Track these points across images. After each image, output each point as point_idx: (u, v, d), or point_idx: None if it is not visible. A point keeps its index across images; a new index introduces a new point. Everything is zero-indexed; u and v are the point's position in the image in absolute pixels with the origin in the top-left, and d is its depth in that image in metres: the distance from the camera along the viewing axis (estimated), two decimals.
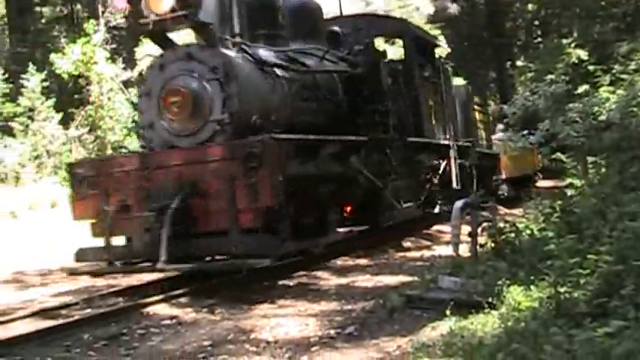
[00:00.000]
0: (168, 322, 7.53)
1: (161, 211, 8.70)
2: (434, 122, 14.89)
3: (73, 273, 9.89)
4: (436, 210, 15.27)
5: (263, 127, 9.34)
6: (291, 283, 9.51)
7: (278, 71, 10.20)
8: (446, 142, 15.55)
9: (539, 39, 33.75)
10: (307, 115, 10.69)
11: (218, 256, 9.43)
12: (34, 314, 8.31)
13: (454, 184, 15.67)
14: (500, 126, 24.64)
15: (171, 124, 9.47)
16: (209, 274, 9.49)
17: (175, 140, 9.48)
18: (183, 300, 8.48)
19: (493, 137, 22.55)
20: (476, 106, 19.36)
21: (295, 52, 11.14)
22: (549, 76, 14.36)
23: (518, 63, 36.95)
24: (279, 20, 11.19)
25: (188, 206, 8.86)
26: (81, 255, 9.54)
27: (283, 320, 7.28)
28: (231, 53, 9.54)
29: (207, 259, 9.46)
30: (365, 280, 9.44)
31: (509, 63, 38.69)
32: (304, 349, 6.16)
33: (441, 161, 15.33)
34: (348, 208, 12.23)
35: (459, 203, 9.15)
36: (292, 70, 10.43)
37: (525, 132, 20.94)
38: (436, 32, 36.44)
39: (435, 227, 14.93)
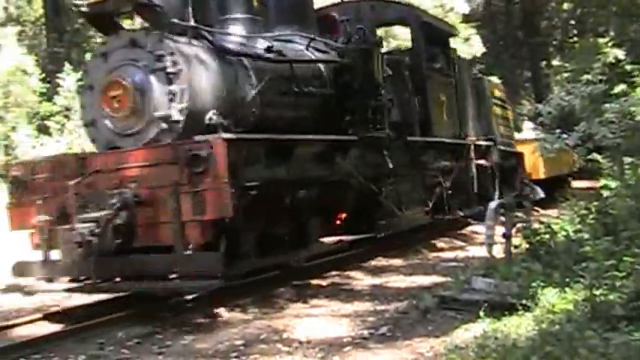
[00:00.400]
0: (201, 320, 7.29)
1: (97, 222, 7.18)
2: (446, 119, 12.88)
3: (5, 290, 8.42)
4: (450, 216, 13.18)
5: (222, 125, 7.56)
6: (324, 283, 9.13)
7: (246, 61, 8.36)
8: (460, 141, 13.33)
9: (575, 38, 32.38)
10: (284, 110, 8.94)
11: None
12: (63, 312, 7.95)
13: (469, 187, 13.52)
14: (528, 124, 22.38)
15: (113, 122, 7.75)
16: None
17: (118, 140, 7.87)
18: (216, 299, 7.89)
19: (520, 135, 20.26)
20: (498, 101, 17.07)
21: (273, 39, 9.24)
22: (585, 76, 13.77)
23: (554, 62, 34.87)
24: (255, 3, 9.38)
25: (130, 217, 7.30)
26: (20, 269, 7.97)
27: (316, 320, 7.09)
28: (183, 40, 7.69)
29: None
30: (398, 281, 9.16)
31: (544, 62, 36.40)
32: (337, 350, 5.97)
33: (454, 162, 13.18)
34: (343, 216, 10.36)
35: (493, 204, 8.86)
36: (264, 59, 8.51)
37: (559, 131, 18.91)
38: (471, 32, 34.86)
39: (470, 228, 14.31)
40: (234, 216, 7.30)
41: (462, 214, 13.94)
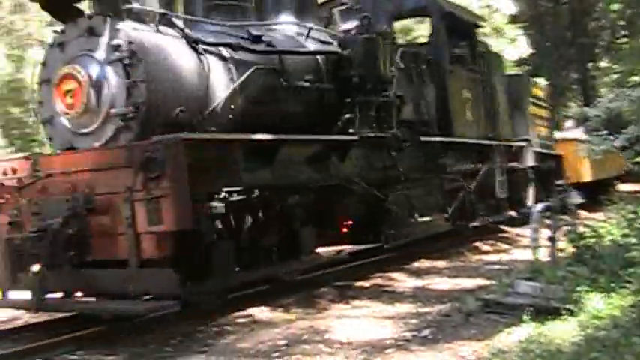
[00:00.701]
0: (243, 320, 7.02)
1: (45, 232, 6.28)
2: (470, 118, 11.52)
3: None
4: (476, 223, 11.85)
5: (190, 123, 6.43)
6: (366, 284, 8.77)
7: (225, 51, 7.19)
8: (486, 142, 11.96)
9: (624, 39, 30.01)
10: (271, 107, 7.75)
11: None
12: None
13: (497, 192, 12.14)
14: (568, 123, 20.80)
15: (69, 120, 6.72)
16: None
17: (75, 140, 6.90)
18: (259, 299, 7.60)
19: (560, 134, 18.70)
20: (535, 100, 15.59)
21: (266, 28, 8.10)
22: (634, 78, 12.92)
23: (602, 64, 32.96)
24: None
25: (82, 226, 6.32)
26: None
27: (358, 321, 6.83)
28: (145, 28, 6.59)
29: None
30: (441, 283, 8.82)
31: (592, 64, 34.55)
32: (379, 351, 5.74)
33: (480, 165, 11.80)
34: (350, 223, 9.20)
35: (539, 207, 8.57)
36: (247, 50, 7.35)
37: (605, 132, 17.41)
38: (518, 32, 33.43)
39: (514, 231, 13.51)
40: (203, 227, 6.37)
41: (490, 220, 12.61)
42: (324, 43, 8.88)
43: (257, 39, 7.80)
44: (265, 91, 7.62)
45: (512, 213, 13.46)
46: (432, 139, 10.20)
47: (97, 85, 6.49)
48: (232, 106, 7.20)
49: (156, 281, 6.03)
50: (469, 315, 6.71)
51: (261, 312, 7.25)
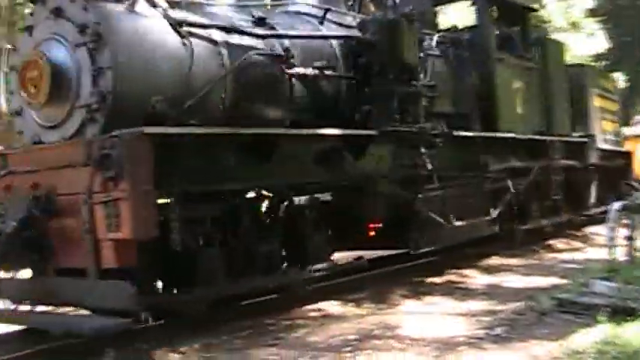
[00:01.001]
0: (314, 314, 6.91)
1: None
2: (521, 111, 10.31)
3: None
4: (527, 225, 10.61)
5: (169, 115, 5.55)
6: (438, 280, 8.57)
7: (217, 34, 6.24)
8: (539, 137, 10.70)
9: None
10: (270, 97, 6.70)
11: None
12: None
13: (553, 192, 10.87)
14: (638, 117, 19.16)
15: (36, 111, 5.90)
16: None
17: (43, 133, 6.16)
18: (330, 293, 7.46)
19: (630, 131, 17.11)
20: (602, 92, 14.09)
21: (274, 10, 7.22)
22: None
23: None
24: None
25: (42, 230, 5.56)
26: None
27: (429, 318, 6.69)
28: (118, 7, 5.73)
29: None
30: (514, 281, 8.53)
31: None
32: (450, 349, 5.52)
33: (532, 163, 10.55)
34: (377, 226, 8.28)
35: (616, 205, 8.03)
36: (244, 33, 6.42)
37: None
38: (596, 27, 31.87)
39: (590, 229, 13.10)
40: (177, 234, 5.57)
41: (545, 222, 11.33)
42: (344, 27, 7.86)
43: (260, 21, 6.87)
44: (264, 79, 6.67)
45: (571, 215, 12.16)
46: (470, 133, 9.04)
47: (62, 72, 5.69)
48: (223, 96, 6.28)
49: (110, 295, 5.19)
50: (543, 314, 6.49)
51: (332, 306, 7.15)
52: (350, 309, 7.11)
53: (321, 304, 7.13)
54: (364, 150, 7.40)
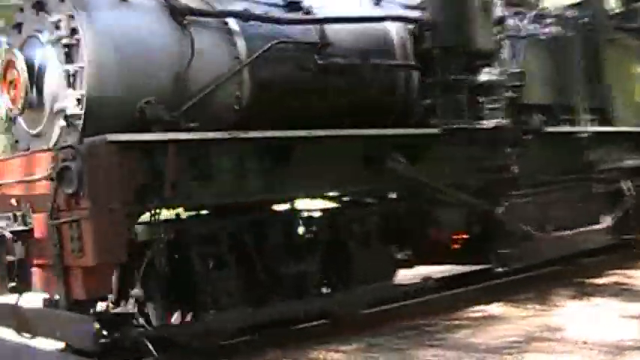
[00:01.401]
0: (476, 315, 6.78)
1: None
2: (638, 101, 8.53)
3: None
4: None
5: (162, 118, 4.78)
6: (603, 282, 8.14)
7: (232, 23, 5.30)
8: None
9: None
10: (300, 94, 5.64)
11: None
12: None
13: None
14: None
15: (23, 117, 5.17)
16: None
17: (31, 142, 5.41)
18: (491, 294, 7.32)
19: None
20: None
21: None
22: None
23: None
24: None
25: (22, 254, 4.80)
26: None
27: (595, 320, 6.34)
28: None
29: None
30: None
31: None
32: (618, 353, 5.22)
33: None
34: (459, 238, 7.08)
35: None
36: (265, 19, 5.44)
37: None
38: None
39: None
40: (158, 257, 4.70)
41: None
42: (412, 8, 6.67)
43: (293, 5, 5.84)
44: (292, 72, 5.64)
45: None
46: (572, 128, 7.54)
47: (39, 74, 4.93)
48: (238, 94, 5.31)
49: (71, 331, 4.42)
50: None
51: (494, 307, 6.98)
52: (512, 310, 6.89)
53: (483, 306, 6.96)
54: (423, 152, 6.21)
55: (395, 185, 6.11)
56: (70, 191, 4.32)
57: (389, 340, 5.89)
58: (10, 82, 5.05)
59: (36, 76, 4.93)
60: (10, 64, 5.04)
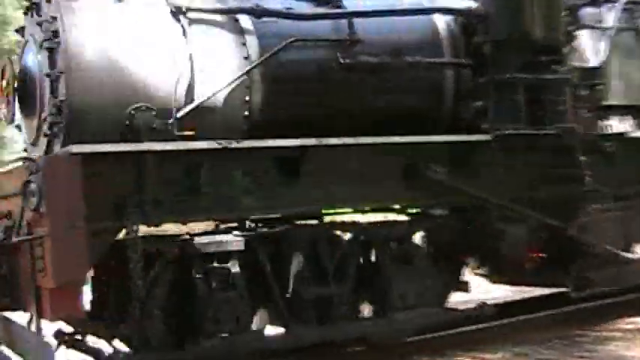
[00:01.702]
0: (627, 327, 6.50)
1: None
2: None
3: None
4: None
5: (154, 127, 4.44)
6: None
7: (244, 20, 4.81)
8: None
9: None
10: (322, 97, 5.06)
11: None
12: None
13: None
14: None
15: (25, 125, 4.92)
16: None
17: (31, 150, 5.09)
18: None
19: None
20: None
21: None
22: None
23: None
24: None
25: (12, 268, 4.57)
26: None
27: None
28: None
29: None
30: None
31: None
32: None
33: None
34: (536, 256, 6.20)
35: None
36: (280, 15, 4.91)
37: None
38: None
39: None
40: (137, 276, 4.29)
41: None
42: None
43: None
44: (312, 74, 5.04)
45: None
46: None
47: (27, 79, 4.63)
48: (247, 99, 4.79)
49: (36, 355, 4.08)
50: None
51: None
52: None
53: (633, 318, 6.62)
54: (474, 161, 5.43)
55: (435, 198, 5.38)
56: (32, 207, 3.97)
57: (536, 351, 5.73)
58: (5, 88, 4.79)
59: (28, 82, 4.65)
60: (4, 69, 4.79)
